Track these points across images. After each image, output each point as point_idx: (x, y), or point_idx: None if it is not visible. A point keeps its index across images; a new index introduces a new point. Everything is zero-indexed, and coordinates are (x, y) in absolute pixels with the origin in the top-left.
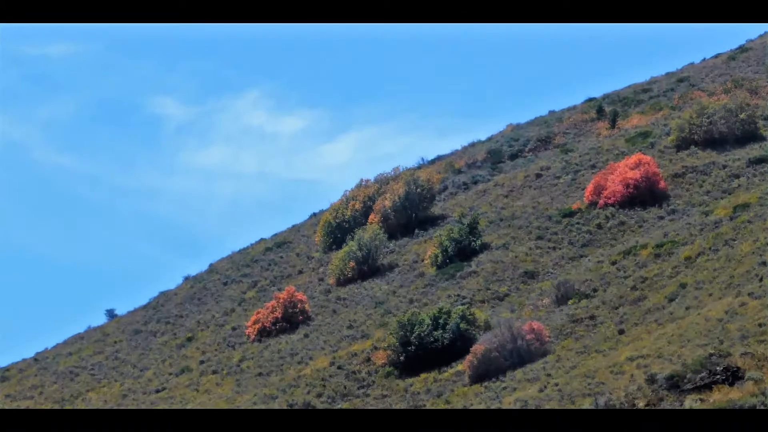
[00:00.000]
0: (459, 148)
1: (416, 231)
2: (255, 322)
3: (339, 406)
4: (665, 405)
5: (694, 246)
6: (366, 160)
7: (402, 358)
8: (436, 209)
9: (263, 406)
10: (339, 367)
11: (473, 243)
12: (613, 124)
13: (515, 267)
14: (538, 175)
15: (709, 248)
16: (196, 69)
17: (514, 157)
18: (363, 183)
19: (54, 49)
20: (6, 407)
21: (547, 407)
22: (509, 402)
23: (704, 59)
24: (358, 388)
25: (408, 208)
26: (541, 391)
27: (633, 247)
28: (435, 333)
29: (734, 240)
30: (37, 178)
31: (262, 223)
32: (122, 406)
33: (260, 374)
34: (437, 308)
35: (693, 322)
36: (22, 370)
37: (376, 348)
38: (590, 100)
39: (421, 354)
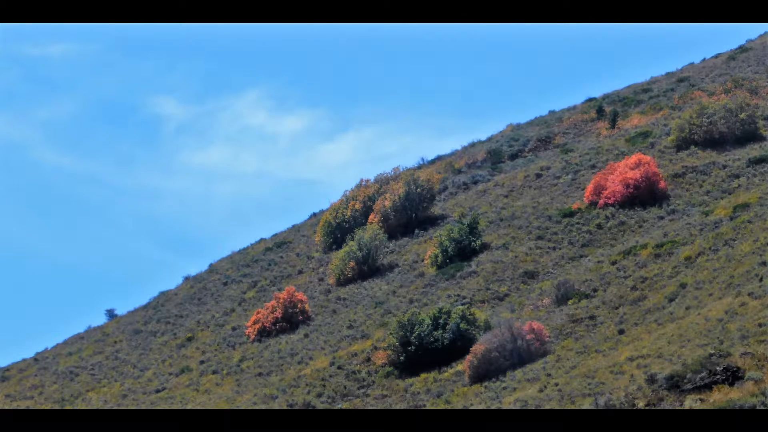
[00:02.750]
0: (459, 148)
1: (416, 231)
2: (255, 322)
3: (339, 406)
4: (665, 405)
5: (694, 246)
6: (366, 160)
7: (402, 358)
8: (436, 209)
9: (263, 406)
10: (339, 367)
11: (473, 243)
12: (613, 124)
13: (515, 267)
14: (538, 175)
15: (709, 248)
16: (196, 69)
17: (514, 157)
18: (363, 183)
19: (54, 49)
20: (6, 407)
21: (547, 407)
22: (509, 402)
23: (704, 59)
24: (358, 388)
25: (408, 208)
26: (541, 391)
27: (633, 247)
28: (435, 333)
29: (734, 240)
30: (37, 178)
31: (262, 223)
32: (122, 406)
33: (260, 374)
34: (437, 308)
35: (693, 322)
36: (22, 370)
37: (376, 348)
38: (590, 100)
39: (421, 354)
